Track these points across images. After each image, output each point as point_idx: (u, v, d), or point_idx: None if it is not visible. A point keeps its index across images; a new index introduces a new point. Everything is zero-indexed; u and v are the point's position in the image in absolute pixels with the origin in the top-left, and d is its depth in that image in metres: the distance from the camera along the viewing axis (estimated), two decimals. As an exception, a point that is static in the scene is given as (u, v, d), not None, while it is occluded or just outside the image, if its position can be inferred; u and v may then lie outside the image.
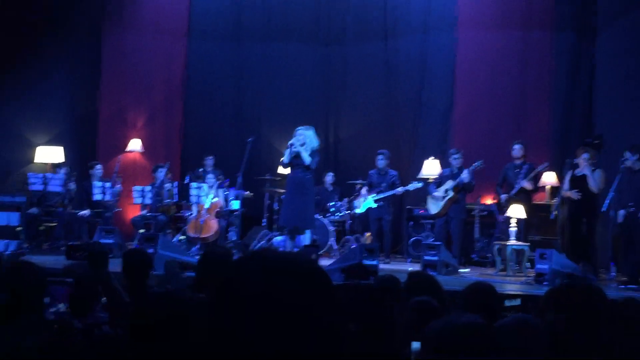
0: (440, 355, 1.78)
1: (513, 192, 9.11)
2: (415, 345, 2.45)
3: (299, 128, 8.58)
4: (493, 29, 10.96)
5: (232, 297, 1.16)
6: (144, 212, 10.36)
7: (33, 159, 11.06)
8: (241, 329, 1.12)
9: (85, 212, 9.97)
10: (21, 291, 2.66)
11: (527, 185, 9.01)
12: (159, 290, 3.10)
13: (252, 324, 1.12)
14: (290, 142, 8.61)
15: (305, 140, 8.41)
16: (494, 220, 9.83)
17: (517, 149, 9.22)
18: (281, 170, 9.61)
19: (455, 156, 9.49)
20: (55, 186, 9.40)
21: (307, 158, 8.26)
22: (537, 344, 2.18)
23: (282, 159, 8.92)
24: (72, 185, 9.85)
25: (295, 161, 8.44)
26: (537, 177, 9.21)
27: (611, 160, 8.94)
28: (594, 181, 8.26)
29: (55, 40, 11.28)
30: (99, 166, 10.32)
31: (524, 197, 9.04)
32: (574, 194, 8.31)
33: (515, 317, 2.35)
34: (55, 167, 10.12)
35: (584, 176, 8.33)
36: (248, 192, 10.77)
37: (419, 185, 9.84)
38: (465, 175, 9.21)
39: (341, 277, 6.84)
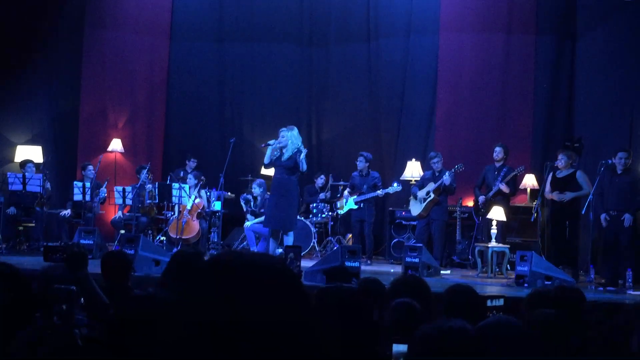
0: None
1: (490, 194, 9.17)
2: (397, 347, 2.44)
3: (282, 129, 8.48)
4: (475, 32, 11.02)
5: (208, 293, 1.16)
6: (120, 213, 10.30)
7: (13, 158, 10.94)
8: (220, 322, 1.13)
9: (67, 212, 9.91)
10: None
11: (503, 187, 9.07)
12: (140, 293, 3.07)
13: (230, 317, 1.13)
14: (269, 141, 8.49)
15: (287, 142, 8.31)
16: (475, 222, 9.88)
17: (497, 151, 9.29)
18: (264, 171, 9.55)
19: (435, 160, 9.52)
20: (34, 186, 9.30)
21: (304, 165, 8.20)
22: (519, 344, 2.18)
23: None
24: (47, 185, 9.76)
25: (278, 162, 8.38)
26: (515, 180, 9.27)
27: (590, 163, 9.01)
28: (585, 183, 8.28)
29: (36, 39, 11.16)
30: (90, 167, 10.29)
31: (501, 199, 9.10)
32: (558, 196, 8.33)
33: (496, 318, 2.35)
34: (21, 166, 9.96)
35: (565, 178, 8.38)
36: (229, 193, 10.73)
37: (398, 188, 9.84)
38: (446, 178, 9.25)
39: (323, 279, 6.82)
